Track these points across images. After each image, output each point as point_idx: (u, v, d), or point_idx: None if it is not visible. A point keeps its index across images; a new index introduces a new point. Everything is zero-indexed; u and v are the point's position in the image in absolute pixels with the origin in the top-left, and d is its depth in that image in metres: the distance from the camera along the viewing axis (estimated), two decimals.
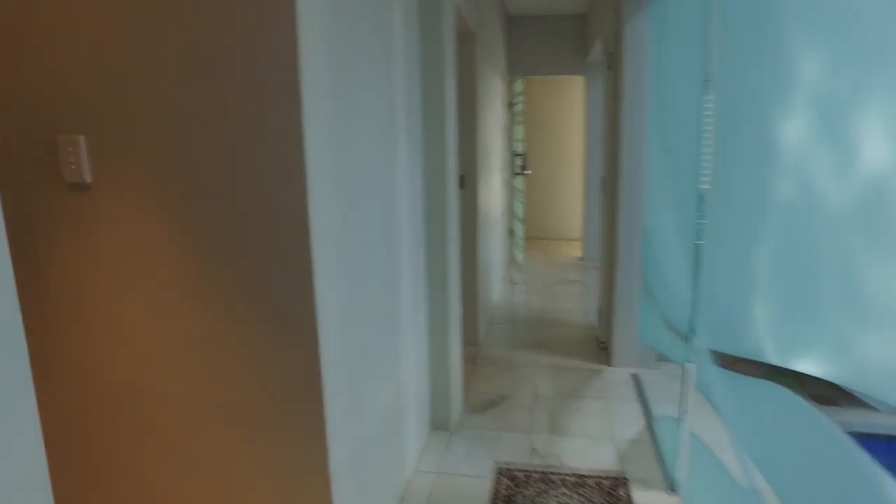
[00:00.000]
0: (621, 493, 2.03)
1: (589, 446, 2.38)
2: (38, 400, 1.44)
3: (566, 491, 2.06)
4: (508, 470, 2.20)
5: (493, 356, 3.43)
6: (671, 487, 2.03)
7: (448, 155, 2.30)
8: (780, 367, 1.23)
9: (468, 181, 3.28)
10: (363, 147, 1.51)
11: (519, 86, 5.46)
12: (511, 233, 5.83)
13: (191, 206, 1.21)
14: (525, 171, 5.75)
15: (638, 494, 2.02)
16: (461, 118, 2.78)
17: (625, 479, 2.12)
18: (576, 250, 6.61)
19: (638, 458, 2.27)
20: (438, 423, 2.52)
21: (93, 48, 1.20)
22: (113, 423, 1.44)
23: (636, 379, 3.05)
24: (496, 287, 4.69)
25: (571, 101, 6.89)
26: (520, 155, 5.67)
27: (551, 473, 2.18)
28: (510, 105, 5.52)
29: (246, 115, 1.15)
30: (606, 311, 3.37)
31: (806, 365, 1.14)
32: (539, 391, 2.92)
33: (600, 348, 3.47)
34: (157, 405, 1.37)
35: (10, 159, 1.32)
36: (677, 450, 1.96)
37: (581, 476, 2.15)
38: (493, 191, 4.32)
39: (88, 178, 1.24)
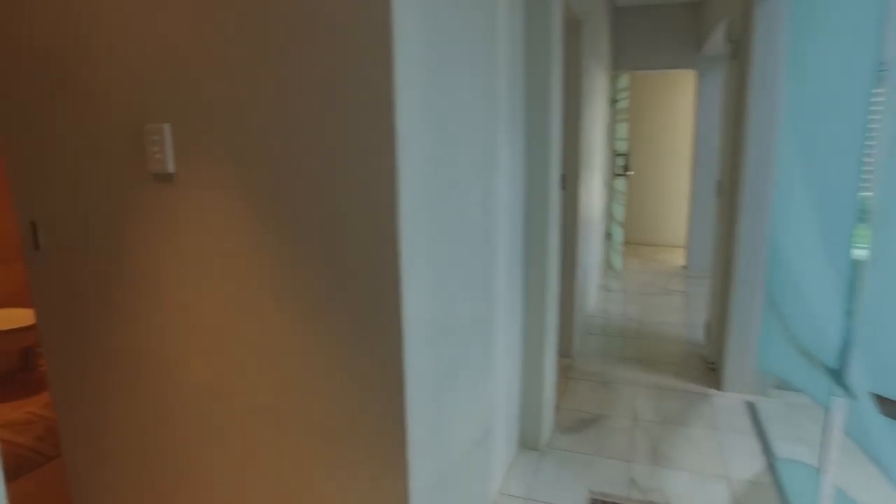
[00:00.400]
0: None
1: (697, 483, 2.10)
2: (120, 389, 1.42)
3: None
4: (604, 502, 1.98)
5: (587, 370, 3.19)
6: None
7: (551, 152, 2.10)
8: None
9: (569, 181, 3.05)
10: (461, 141, 1.37)
11: (623, 81, 5.12)
12: (608, 237, 5.49)
13: (274, 203, 1.12)
14: (627, 172, 5.40)
15: None
16: (564, 113, 2.57)
17: None
18: (678, 258, 6.14)
19: None
20: (527, 442, 2.34)
21: (177, 34, 1.13)
22: (183, 421, 1.39)
23: (752, 408, 2.70)
24: (591, 294, 4.41)
25: (680, 97, 6.41)
26: (622, 155, 5.33)
27: None
28: (613, 101, 5.20)
29: (335, 106, 1.03)
30: (717, 328, 3.02)
31: None
32: (639, 413, 2.65)
33: (708, 369, 3.12)
34: (228, 409, 1.30)
35: (99, 149, 1.30)
36: None
37: None
38: (593, 192, 4.05)
39: (172, 168, 1.19)
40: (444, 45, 1.22)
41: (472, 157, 1.46)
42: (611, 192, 5.44)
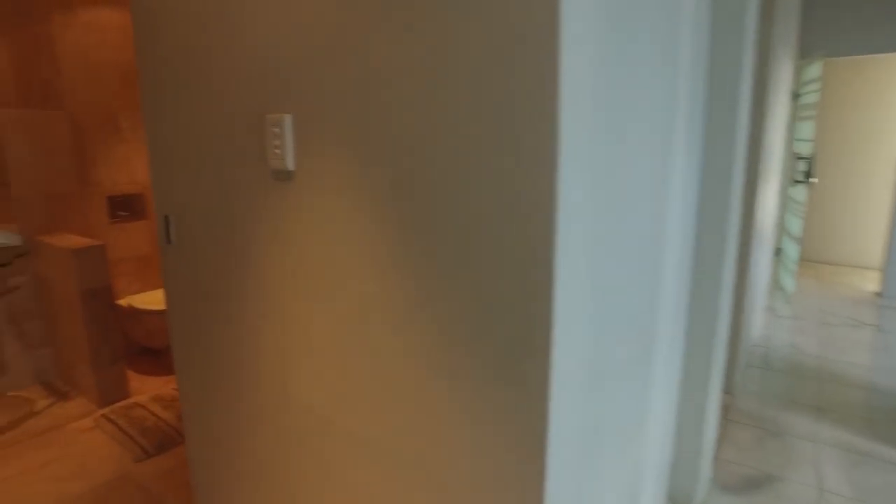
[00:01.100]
0: None
1: None
2: (230, 399, 1.33)
3: None
4: None
5: (751, 412, 2.69)
6: None
7: (735, 159, 1.71)
8: None
9: (747, 189, 2.58)
10: (633, 149, 1.07)
11: (813, 70, 4.36)
12: (778, 253, 4.74)
13: (403, 213, 0.92)
14: (809, 179, 4.60)
15: None
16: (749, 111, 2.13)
17: None
18: (871, 283, 5.15)
19: None
20: (677, 498, 1.97)
21: (303, 16, 0.98)
22: (290, 440, 1.26)
23: None
24: (756, 319, 3.79)
25: (886, 89, 5.35)
26: (804, 158, 4.55)
27: None
28: (795, 96, 4.44)
29: (479, 95, 0.81)
30: None
31: None
32: (825, 482, 2.14)
33: None
34: (334, 436, 1.14)
35: (224, 142, 1.21)
36: None
37: None
38: (767, 202, 3.46)
39: (291, 166, 1.04)
40: (622, 27, 0.94)
41: (644, 168, 1.16)
42: (786, 201, 4.68)
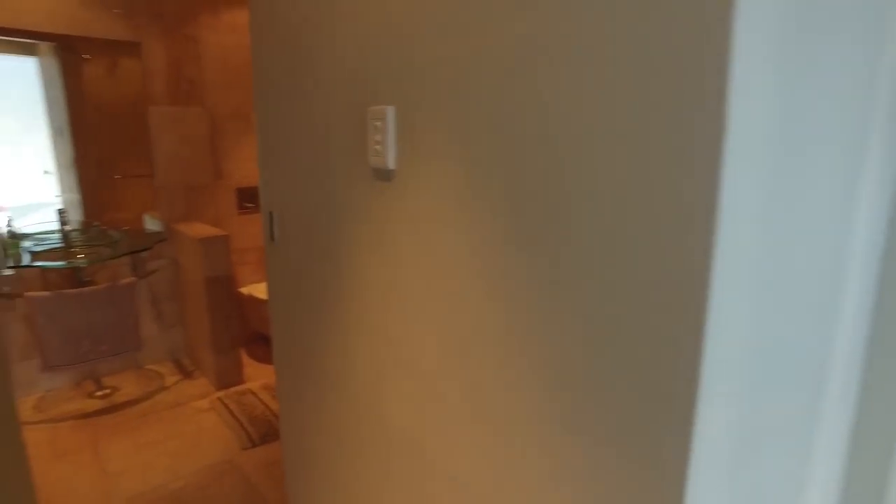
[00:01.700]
0: None
1: None
2: (320, 407, 1.25)
3: None
4: None
5: None
6: None
7: None
8: None
9: None
10: (816, 161, 0.82)
11: None
12: None
13: (522, 221, 0.76)
14: None
15: None
16: None
17: None
18: None
19: None
20: None
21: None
22: (380, 463, 1.15)
23: None
24: None
25: None
26: None
27: None
28: None
29: (638, 85, 0.63)
30: None
31: None
32: None
33: None
34: (423, 467, 1.01)
35: (324, 137, 1.12)
36: None
37: None
38: None
39: (392, 164, 0.93)
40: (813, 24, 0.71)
41: (827, 187, 0.89)
42: None
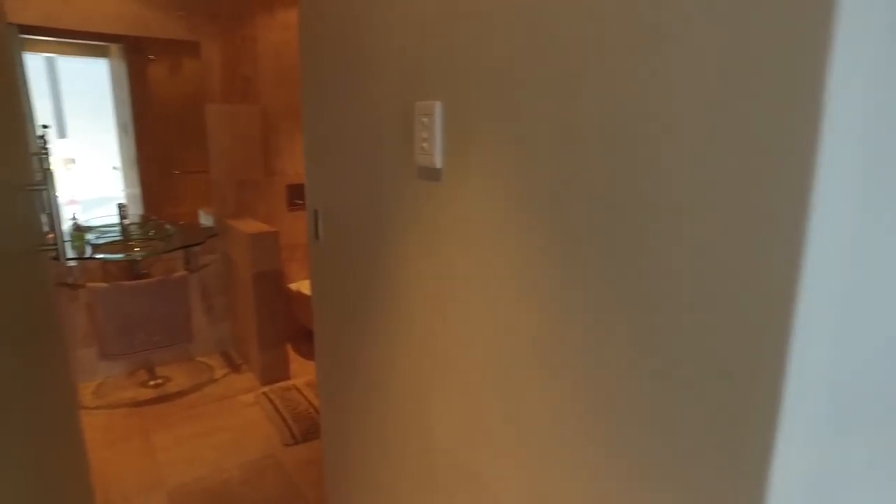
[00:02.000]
0: None
1: None
2: (362, 413, 1.21)
3: None
4: None
5: None
6: None
7: None
8: None
9: None
10: None
11: None
12: None
13: (582, 228, 0.70)
14: None
15: None
16: None
17: None
18: None
19: None
20: None
21: None
22: (417, 477, 1.11)
23: None
24: None
25: None
26: None
27: None
28: None
29: (725, 75, 0.56)
30: None
31: None
32: None
33: None
34: (468, 493, 0.96)
35: (369, 135, 1.09)
36: None
37: None
38: None
39: (440, 163, 0.88)
40: None
41: None
42: None
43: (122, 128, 3.07)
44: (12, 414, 0.96)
